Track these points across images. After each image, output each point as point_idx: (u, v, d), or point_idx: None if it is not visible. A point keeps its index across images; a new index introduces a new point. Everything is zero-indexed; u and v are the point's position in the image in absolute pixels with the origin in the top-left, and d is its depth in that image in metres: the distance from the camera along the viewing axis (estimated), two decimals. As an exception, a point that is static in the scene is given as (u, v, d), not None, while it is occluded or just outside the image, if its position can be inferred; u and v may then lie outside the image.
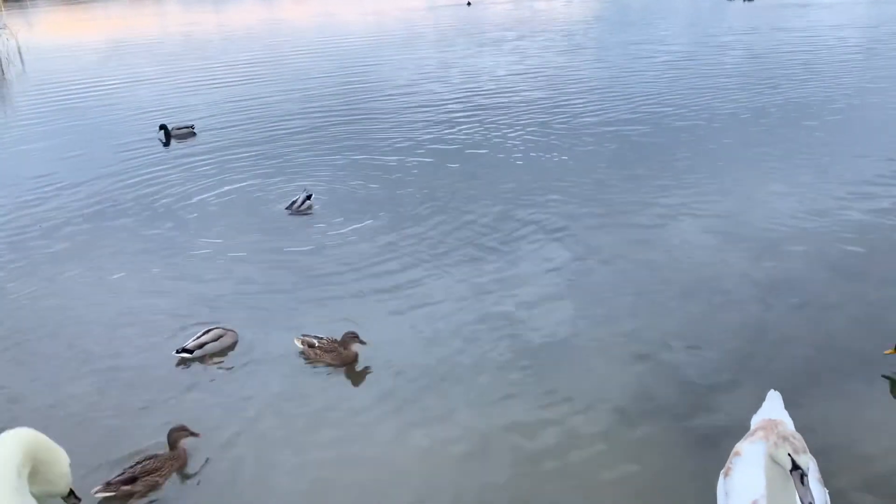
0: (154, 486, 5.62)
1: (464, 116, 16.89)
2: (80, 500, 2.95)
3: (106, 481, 5.53)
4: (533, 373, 6.76)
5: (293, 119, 17.64)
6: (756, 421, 4.97)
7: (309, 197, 11.49)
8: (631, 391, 6.40)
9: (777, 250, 9.01)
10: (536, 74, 21.42)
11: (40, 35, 32.15)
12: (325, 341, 7.17)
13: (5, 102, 23.68)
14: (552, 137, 14.70)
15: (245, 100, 20.19)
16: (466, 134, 15.43)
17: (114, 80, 24.93)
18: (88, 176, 13.95)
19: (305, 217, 11.18)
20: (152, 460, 5.71)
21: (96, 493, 5.44)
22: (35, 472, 2.76)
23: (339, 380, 6.93)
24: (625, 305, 7.90)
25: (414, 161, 13.74)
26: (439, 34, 31.94)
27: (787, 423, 4.80)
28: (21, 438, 2.60)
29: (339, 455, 5.85)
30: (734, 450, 4.65)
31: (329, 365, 7.09)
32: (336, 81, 22.22)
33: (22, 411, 6.63)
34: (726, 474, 4.54)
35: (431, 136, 15.47)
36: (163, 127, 16.18)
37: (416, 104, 18.55)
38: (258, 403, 6.57)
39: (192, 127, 16.48)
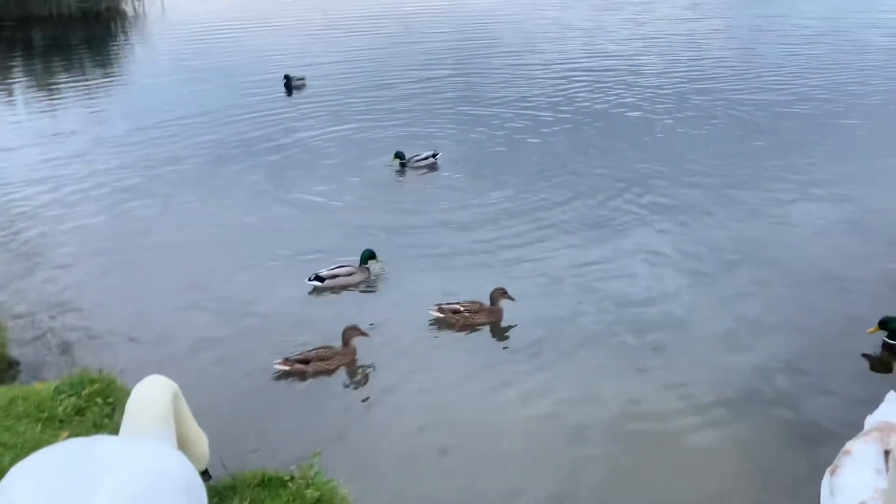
0: (322, 372, 6.39)
1: (581, 78, 16.56)
2: (210, 477, 3.08)
3: (285, 357, 6.38)
4: (647, 352, 6.74)
5: (413, 73, 17.69)
6: (871, 422, 4.79)
7: (434, 155, 11.62)
8: (741, 380, 6.30)
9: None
10: (660, 41, 20.63)
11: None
12: (468, 304, 7.20)
13: (145, 40, 24.99)
14: (673, 106, 14.27)
15: (366, 51, 20.36)
16: (583, 96, 15.21)
17: (243, 23, 25.75)
18: (213, 112, 14.70)
19: (423, 173, 11.36)
20: (326, 349, 6.45)
21: (276, 364, 6.34)
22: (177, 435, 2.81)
23: (454, 336, 7.12)
24: (741, 291, 7.73)
25: (529, 121, 13.71)
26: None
27: (906, 428, 4.60)
28: (167, 382, 2.73)
29: (461, 406, 6.10)
30: (844, 448, 4.51)
31: (480, 325, 7.16)
32: (454, 39, 22.11)
33: (144, 331, 7.16)
34: (833, 472, 4.42)
35: (548, 95, 15.32)
36: (286, 77, 16.58)
37: (533, 63, 18.30)
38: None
39: (303, 79, 16.76)
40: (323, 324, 7.14)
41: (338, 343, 6.59)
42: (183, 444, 2.83)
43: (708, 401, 6.02)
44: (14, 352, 6.42)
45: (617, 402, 6.05)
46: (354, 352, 6.58)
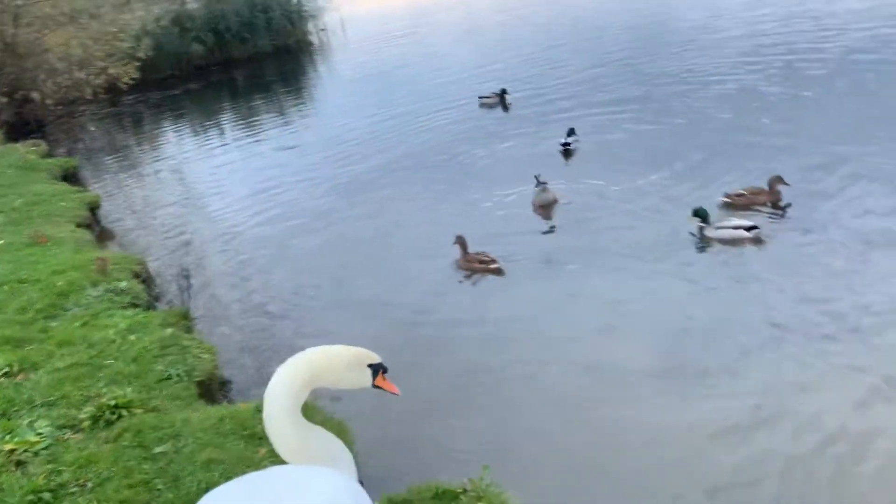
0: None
1: (773, 56, 15.53)
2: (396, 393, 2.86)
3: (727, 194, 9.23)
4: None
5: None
6: None
7: (571, 132, 12.13)
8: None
9: None
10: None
11: (360, 7, 35.42)
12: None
13: (330, 69, 26.72)
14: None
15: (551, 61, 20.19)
16: (774, 74, 14.26)
17: (419, 39, 26.79)
18: (400, 130, 15.47)
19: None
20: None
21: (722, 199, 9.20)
22: (323, 382, 2.73)
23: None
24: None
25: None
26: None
27: None
28: (286, 376, 2.61)
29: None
30: None
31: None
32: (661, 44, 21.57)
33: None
34: None
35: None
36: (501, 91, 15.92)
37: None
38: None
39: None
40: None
41: None
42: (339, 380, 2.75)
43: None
44: (226, 372, 7.17)
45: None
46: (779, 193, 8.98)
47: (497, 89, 16.00)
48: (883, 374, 5.84)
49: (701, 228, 8.67)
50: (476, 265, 8.78)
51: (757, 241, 8.36)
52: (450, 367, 7.01)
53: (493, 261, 8.73)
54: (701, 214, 8.67)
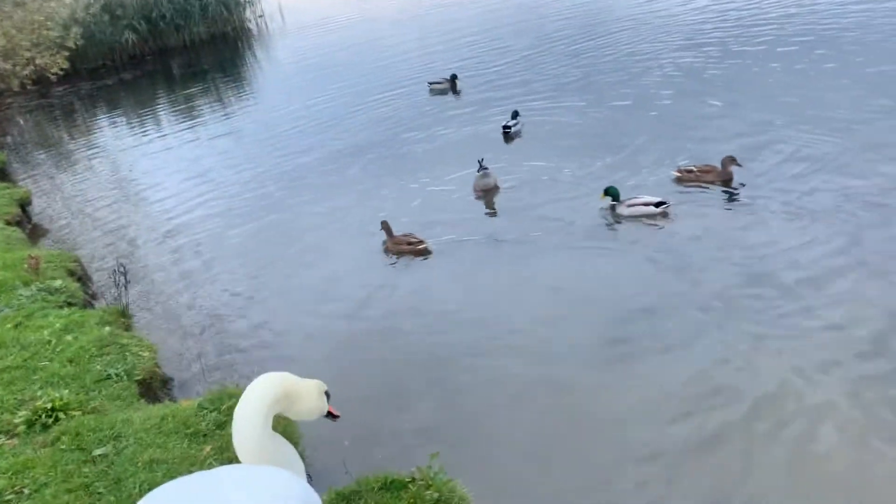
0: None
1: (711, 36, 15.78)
2: (337, 416, 3.03)
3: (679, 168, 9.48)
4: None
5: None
6: None
7: (515, 115, 12.31)
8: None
9: None
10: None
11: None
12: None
13: (269, 56, 26.24)
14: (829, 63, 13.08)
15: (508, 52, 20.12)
16: (708, 54, 14.47)
17: (359, 24, 26.52)
18: (340, 119, 15.19)
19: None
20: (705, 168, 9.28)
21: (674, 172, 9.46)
22: (290, 409, 2.87)
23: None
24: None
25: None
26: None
27: None
28: (269, 383, 2.73)
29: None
30: None
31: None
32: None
33: (283, 343, 7.62)
34: None
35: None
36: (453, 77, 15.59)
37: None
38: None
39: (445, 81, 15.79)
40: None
41: None
42: (300, 410, 2.90)
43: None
44: (167, 369, 7.02)
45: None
46: (731, 173, 9.00)
47: (447, 74, 15.83)
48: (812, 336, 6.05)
49: (613, 207, 8.95)
50: (404, 247, 8.84)
51: (664, 216, 8.62)
52: (393, 357, 6.98)
53: (421, 241, 8.78)
54: (612, 193, 8.95)
